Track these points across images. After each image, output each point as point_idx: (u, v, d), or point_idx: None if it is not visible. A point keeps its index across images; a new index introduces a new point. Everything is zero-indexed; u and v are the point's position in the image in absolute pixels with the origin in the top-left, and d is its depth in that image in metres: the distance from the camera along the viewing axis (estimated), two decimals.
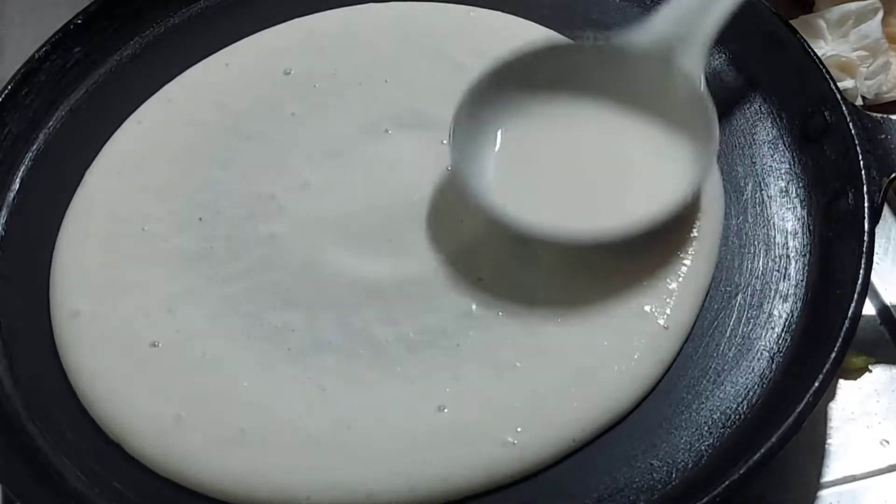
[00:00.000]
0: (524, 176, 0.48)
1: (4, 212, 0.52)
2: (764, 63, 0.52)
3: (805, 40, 0.50)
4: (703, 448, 0.42)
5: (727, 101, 0.52)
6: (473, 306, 0.46)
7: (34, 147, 0.54)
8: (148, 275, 0.49)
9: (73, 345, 0.47)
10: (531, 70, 0.48)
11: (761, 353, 0.45)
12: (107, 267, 0.49)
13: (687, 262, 0.46)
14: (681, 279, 0.46)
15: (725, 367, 0.44)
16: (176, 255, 0.49)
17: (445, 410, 0.43)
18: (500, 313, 0.46)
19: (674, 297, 0.45)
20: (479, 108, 0.48)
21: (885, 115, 0.47)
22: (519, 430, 0.42)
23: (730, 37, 0.53)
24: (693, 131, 0.47)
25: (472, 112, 0.47)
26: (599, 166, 0.48)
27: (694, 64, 0.47)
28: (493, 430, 0.43)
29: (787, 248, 0.48)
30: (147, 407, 0.45)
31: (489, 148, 0.48)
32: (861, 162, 0.46)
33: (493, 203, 0.46)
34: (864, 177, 0.45)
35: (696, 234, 0.47)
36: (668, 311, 0.45)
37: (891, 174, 0.46)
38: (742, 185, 0.50)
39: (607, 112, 0.49)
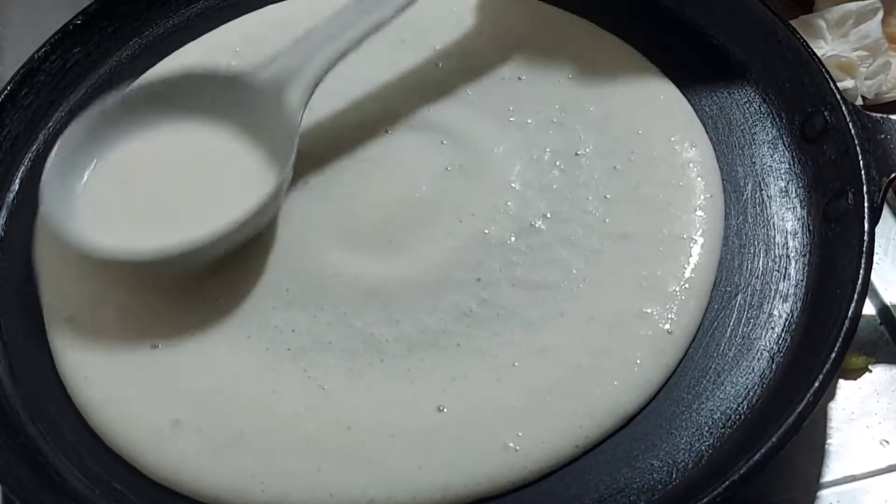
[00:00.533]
0: (114, 204, 0.48)
1: (4, 212, 0.52)
2: (764, 63, 0.52)
3: (805, 40, 0.50)
4: (703, 448, 0.42)
5: (727, 101, 0.52)
6: (473, 306, 0.46)
7: (34, 147, 0.54)
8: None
9: (66, 351, 0.47)
10: (162, 96, 0.50)
11: (761, 353, 0.45)
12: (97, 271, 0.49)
13: (689, 265, 0.46)
14: (683, 283, 0.46)
15: (725, 368, 0.44)
16: None
17: (445, 410, 0.43)
18: (500, 313, 0.46)
19: (677, 301, 0.45)
20: (80, 142, 0.48)
21: (885, 115, 0.47)
22: (520, 434, 0.42)
23: (730, 37, 0.54)
24: (282, 159, 0.48)
25: (70, 147, 0.48)
26: (190, 185, 0.49)
27: (297, 100, 0.49)
28: (494, 434, 0.43)
29: (787, 248, 0.47)
30: (144, 412, 0.44)
31: (79, 182, 0.48)
32: (861, 162, 0.46)
33: (81, 239, 0.46)
34: (864, 177, 0.45)
35: (697, 236, 0.47)
36: (671, 315, 0.45)
37: (891, 174, 0.46)
38: (742, 185, 0.50)
39: (214, 137, 0.50)
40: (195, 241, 0.45)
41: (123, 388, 0.45)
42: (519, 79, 0.54)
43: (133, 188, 0.48)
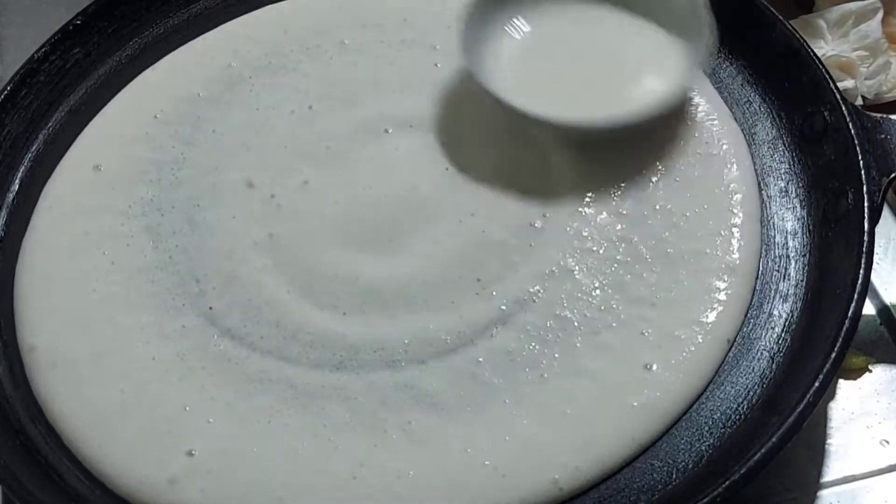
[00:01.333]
0: (532, 70, 0.51)
1: (4, 212, 0.52)
2: (764, 63, 0.52)
3: (805, 40, 0.50)
4: (703, 448, 0.42)
5: (727, 101, 0.52)
6: (473, 307, 0.46)
7: (34, 147, 0.54)
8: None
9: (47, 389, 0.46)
10: None
11: (761, 353, 0.45)
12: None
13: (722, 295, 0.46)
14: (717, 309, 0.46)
15: (725, 368, 0.44)
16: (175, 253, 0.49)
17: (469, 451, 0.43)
18: (502, 309, 0.46)
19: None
20: (484, 7, 0.51)
21: (885, 115, 0.47)
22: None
23: (729, 37, 0.53)
24: (689, 33, 0.50)
25: (478, 10, 0.51)
26: (603, 62, 0.51)
27: None
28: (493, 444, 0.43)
29: (787, 248, 0.47)
30: (139, 459, 0.43)
31: (495, 43, 0.51)
32: (861, 162, 0.46)
33: (504, 93, 0.49)
34: (863, 177, 0.45)
35: (735, 265, 0.47)
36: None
37: (891, 174, 0.46)
38: None
39: (611, 15, 0.52)
40: (617, 117, 0.48)
41: (107, 429, 0.44)
42: None
43: (546, 58, 0.52)
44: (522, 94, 0.49)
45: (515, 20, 0.52)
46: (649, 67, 0.51)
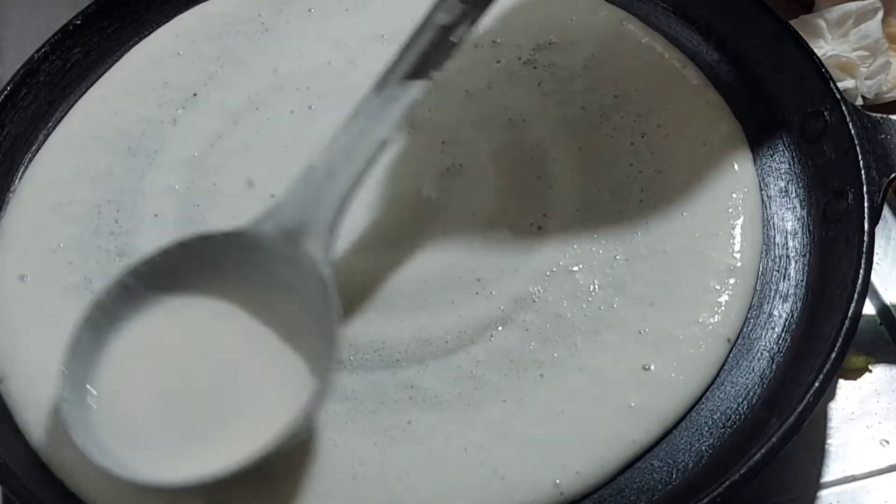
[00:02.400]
0: (130, 405, 0.42)
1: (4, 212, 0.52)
2: (764, 63, 0.52)
3: (805, 40, 0.50)
4: (703, 448, 0.42)
5: (727, 102, 0.52)
6: (473, 307, 0.46)
7: (34, 147, 0.54)
8: None
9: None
10: (160, 272, 0.44)
11: (761, 353, 0.45)
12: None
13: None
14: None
15: (725, 368, 0.44)
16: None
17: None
18: (502, 309, 0.46)
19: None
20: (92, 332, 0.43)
21: (885, 115, 0.47)
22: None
23: (730, 37, 0.53)
24: (318, 330, 0.42)
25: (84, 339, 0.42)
26: (210, 388, 0.42)
27: (318, 250, 0.43)
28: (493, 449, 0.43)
29: (787, 248, 0.47)
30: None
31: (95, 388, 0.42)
32: (861, 162, 0.46)
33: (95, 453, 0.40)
34: (863, 177, 0.45)
35: (735, 266, 0.47)
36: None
37: (891, 174, 0.46)
38: None
39: (232, 312, 0.44)
40: (223, 470, 0.39)
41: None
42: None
43: (150, 390, 0.42)
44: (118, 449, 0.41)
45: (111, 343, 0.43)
46: (261, 394, 0.42)
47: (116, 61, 0.57)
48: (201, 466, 0.39)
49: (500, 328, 0.45)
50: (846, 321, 0.42)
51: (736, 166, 0.49)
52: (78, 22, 0.56)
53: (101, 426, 0.41)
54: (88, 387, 0.42)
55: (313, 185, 0.44)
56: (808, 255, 0.47)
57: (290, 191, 0.44)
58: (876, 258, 0.48)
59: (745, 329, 0.45)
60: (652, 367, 0.44)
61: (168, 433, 0.41)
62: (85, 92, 0.55)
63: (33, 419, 0.45)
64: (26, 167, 0.53)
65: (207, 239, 0.44)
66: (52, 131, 0.54)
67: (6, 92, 0.53)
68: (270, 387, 0.42)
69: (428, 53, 0.45)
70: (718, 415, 0.43)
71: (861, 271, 0.43)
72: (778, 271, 0.47)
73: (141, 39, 0.57)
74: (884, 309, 0.53)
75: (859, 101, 0.58)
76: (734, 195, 0.48)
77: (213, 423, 0.41)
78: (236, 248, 0.44)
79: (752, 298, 0.46)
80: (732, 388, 0.44)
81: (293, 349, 0.42)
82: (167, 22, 0.58)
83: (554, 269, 0.47)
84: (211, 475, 0.39)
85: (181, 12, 0.58)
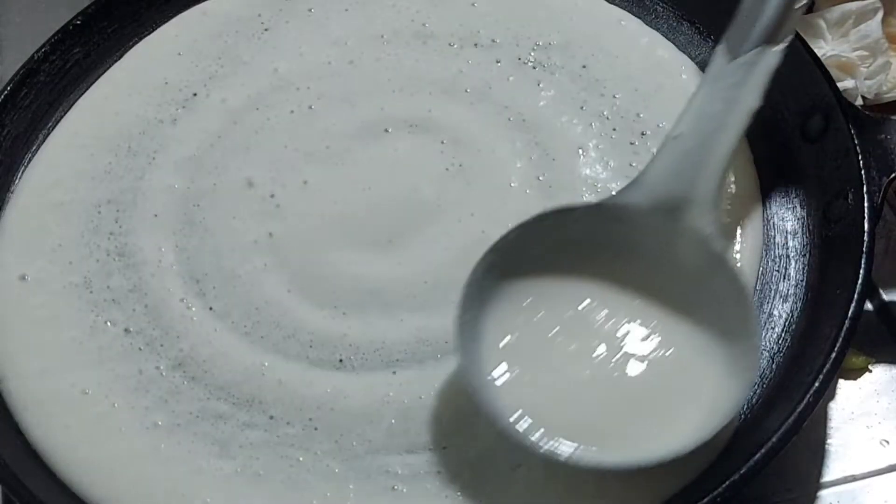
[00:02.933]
0: (538, 378, 0.41)
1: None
2: None
3: (805, 40, 0.50)
4: (703, 448, 0.42)
5: None
6: None
7: (34, 147, 0.54)
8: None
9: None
10: (525, 248, 0.43)
11: (761, 353, 0.45)
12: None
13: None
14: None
15: None
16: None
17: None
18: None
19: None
20: (480, 299, 0.42)
21: (885, 115, 0.47)
22: None
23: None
24: (722, 317, 0.40)
25: (473, 307, 0.42)
26: (619, 370, 0.41)
27: (705, 224, 0.41)
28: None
29: (787, 248, 0.47)
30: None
31: (495, 342, 0.42)
32: (861, 162, 0.46)
33: (504, 416, 0.40)
34: (863, 177, 0.45)
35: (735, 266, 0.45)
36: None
37: (891, 174, 0.46)
38: None
39: (616, 293, 0.42)
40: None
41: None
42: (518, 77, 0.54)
43: (553, 361, 0.41)
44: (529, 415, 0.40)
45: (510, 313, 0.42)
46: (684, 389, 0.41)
47: (116, 61, 0.57)
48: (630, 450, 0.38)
49: None
50: (846, 321, 0.42)
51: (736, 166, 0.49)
52: (78, 22, 0.56)
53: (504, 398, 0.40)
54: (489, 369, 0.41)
55: (685, 156, 0.42)
56: (808, 255, 0.47)
57: (657, 161, 0.43)
58: (876, 258, 0.47)
59: None
60: None
61: (578, 414, 0.40)
62: (85, 92, 0.55)
63: (33, 419, 0.45)
64: (26, 167, 0.53)
65: (565, 213, 0.43)
66: (51, 131, 0.54)
67: (6, 92, 0.53)
68: (673, 375, 0.40)
69: (777, 18, 0.44)
70: None
71: (861, 271, 0.43)
72: (778, 271, 0.47)
73: (141, 39, 0.57)
74: (884, 309, 0.53)
75: (859, 101, 0.58)
76: (734, 196, 0.48)
77: (624, 410, 0.40)
78: (596, 222, 0.42)
79: (752, 298, 0.46)
80: None
81: (687, 328, 0.41)
82: (167, 21, 0.58)
83: None
84: (653, 459, 0.38)
85: (181, 12, 0.58)
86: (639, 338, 0.41)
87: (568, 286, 0.43)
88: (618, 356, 0.41)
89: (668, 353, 0.41)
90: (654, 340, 0.41)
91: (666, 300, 0.42)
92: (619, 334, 0.42)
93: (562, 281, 0.43)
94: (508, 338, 0.42)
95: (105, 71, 0.56)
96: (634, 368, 0.41)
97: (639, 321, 0.42)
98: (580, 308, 0.42)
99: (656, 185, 0.43)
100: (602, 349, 0.41)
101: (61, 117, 0.55)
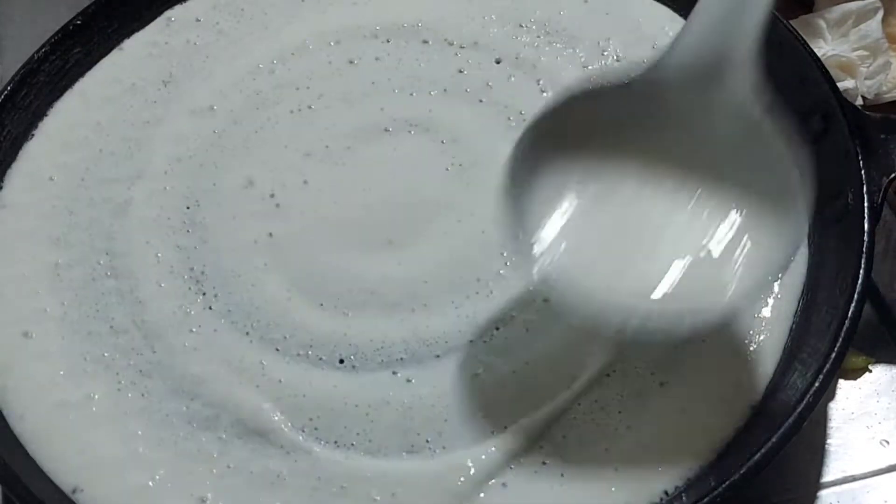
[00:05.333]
0: (592, 251, 0.41)
1: None
2: (764, 63, 0.52)
3: (805, 40, 0.50)
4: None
5: None
6: (473, 307, 0.46)
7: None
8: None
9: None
10: (561, 127, 0.42)
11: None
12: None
13: None
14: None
15: None
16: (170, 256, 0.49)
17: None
18: (502, 308, 0.46)
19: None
20: (527, 173, 0.42)
21: (885, 115, 0.47)
22: None
23: None
24: (764, 181, 0.40)
25: (520, 180, 0.42)
26: (663, 236, 0.41)
27: (743, 88, 0.40)
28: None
29: None
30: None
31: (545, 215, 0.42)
32: (860, 162, 0.46)
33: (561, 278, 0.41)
34: (863, 177, 0.45)
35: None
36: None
37: (891, 174, 0.46)
38: None
39: (656, 168, 0.42)
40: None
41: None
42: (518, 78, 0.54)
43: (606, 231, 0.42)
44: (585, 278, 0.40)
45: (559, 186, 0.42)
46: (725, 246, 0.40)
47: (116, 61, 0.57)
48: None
49: (500, 328, 0.45)
50: (846, 321, 0.42)
51: None
52: (78, 22, 0.56)
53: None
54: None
55: (717, 20, 0.39)
56: (807, 255, 0.47)
57: (691, 23, 0.40)
58: (876, 258, 0.48)
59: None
60: None
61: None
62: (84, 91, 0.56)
63: (32, 419, 0.45)
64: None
65: (591, 93, 0.41)
66: (51, 129, 0.54)
67: (6, 92, 0.53)
68: (724, 241, 0.40)
69: None
70: None
71: (861, 271, 0.43)
72: None
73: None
74: (884, 309, 0.53)
75: (859, 101, 0.58)
76: None
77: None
78: (628, 99, 0.41)
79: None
80: None
81: (732, 195, 0.40)
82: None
83: None
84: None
85: None
86: (686, 208, 0.41)
87: (609, 164, 0.42)
88: (667, 229, 0.41)
89: (719, 223, 0.41)
90: (704, 212, 0.41)
91: (707, 171, 0.41)
92: (663, 208, 0.41)
93: (603, 159, 0.42)
94: (558, 212, 0.42)
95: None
96: (684, 241, 0.41)
97: (683, 192, 0.41)
98: (625, 184, 0.42)
99: (688, 51, 0.40)
100: (651, 221, 0.41)
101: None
